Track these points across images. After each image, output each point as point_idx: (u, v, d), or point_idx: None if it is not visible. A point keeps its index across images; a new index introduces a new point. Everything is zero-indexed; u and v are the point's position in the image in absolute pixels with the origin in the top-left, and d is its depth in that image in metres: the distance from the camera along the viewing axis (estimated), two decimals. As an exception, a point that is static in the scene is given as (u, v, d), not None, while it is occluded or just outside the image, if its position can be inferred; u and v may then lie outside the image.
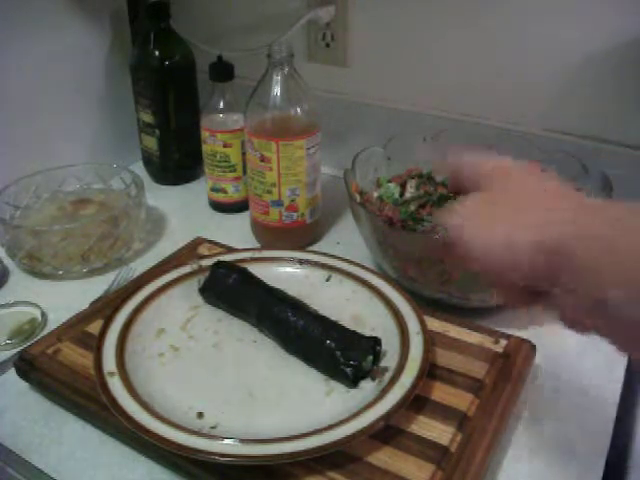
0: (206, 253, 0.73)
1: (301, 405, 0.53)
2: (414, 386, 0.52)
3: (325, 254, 0.71)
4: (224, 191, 0.89)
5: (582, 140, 0.80)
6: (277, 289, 0.63)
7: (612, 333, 0.37)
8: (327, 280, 0.68)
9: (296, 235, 0.80)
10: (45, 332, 0.65)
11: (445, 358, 0.58)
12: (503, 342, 0.59)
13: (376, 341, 0.56)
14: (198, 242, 0.77)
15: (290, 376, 0.57)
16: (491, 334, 0.61)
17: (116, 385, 0.53)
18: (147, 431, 0.48)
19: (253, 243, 0.82)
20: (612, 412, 0.56)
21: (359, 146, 0.77)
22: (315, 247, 0.81)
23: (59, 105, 0.91)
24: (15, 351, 0.63)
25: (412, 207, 0.73)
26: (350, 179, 0.71)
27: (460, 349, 0.59)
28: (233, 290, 0.63)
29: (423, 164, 0.80)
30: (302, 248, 0.77)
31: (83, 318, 0.64)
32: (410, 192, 0.76)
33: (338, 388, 0.55)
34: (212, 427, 0.51)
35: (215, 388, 0.55)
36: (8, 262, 0.78)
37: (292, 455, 0.47)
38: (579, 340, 0.55)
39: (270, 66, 0.73)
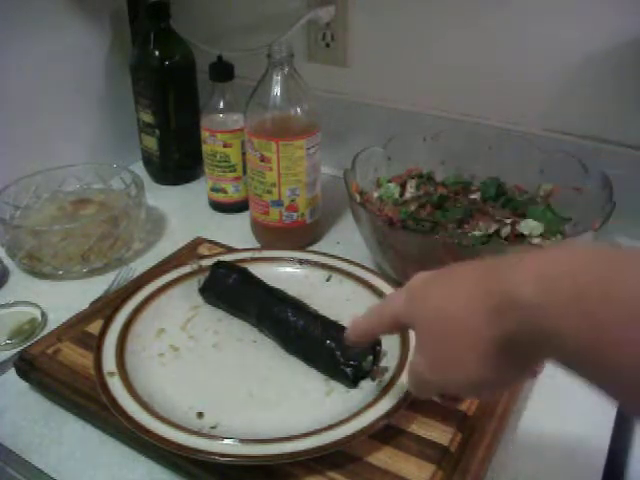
0: (206, 253, 0.73)
1: (301, 405, 0.54)
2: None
3: (325, 254, 0.71)
4: (224, 191, 0.89)
5: (582, 140, 0.80)
6: (277, 289, 0.63)
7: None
8: (327, 280, 0.68)
9: (296, 235, 0.80)
10: (45, 332, 0.65)
11: (445, 358, 0.58)
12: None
13: (376, 341, 0.56)
14: (198, 242, 0.77)
15: (290, 376, 0.57)
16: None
17: (116, 385, 0.53)
18: (147, 431, 0.48)
19: (253, 243, 0.82)
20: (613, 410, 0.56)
21: (359, 146, 0.77)
22: (315, 247, 0.81)
23: (59, 105, 0.91)
24: (15, 351, 0.63)
25: (412, 207, 0.73)
26: (350, 179, 0.71)
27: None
28: (233, 290, 0.63)
29: (423, 164, 0.80)
30: (302, 248, 0.77)
31: (83, 318, 0.64)
32: (410, 192, 0.76)
33: (338, 388, 0.55)
34: (212, 427, 0.51)
35: (215, 388, 0.55)
36: (8, 262, 0.78)
37: (292, 455, 0.47)
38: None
39: (270, 66, 0.73)
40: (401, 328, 0.47)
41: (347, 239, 0.82)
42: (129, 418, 0.49)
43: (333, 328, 0.57)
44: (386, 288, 0.64)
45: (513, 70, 0.82)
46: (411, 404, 0.51)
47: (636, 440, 0.55)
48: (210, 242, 0.77)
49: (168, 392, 0.54)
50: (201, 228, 0.84)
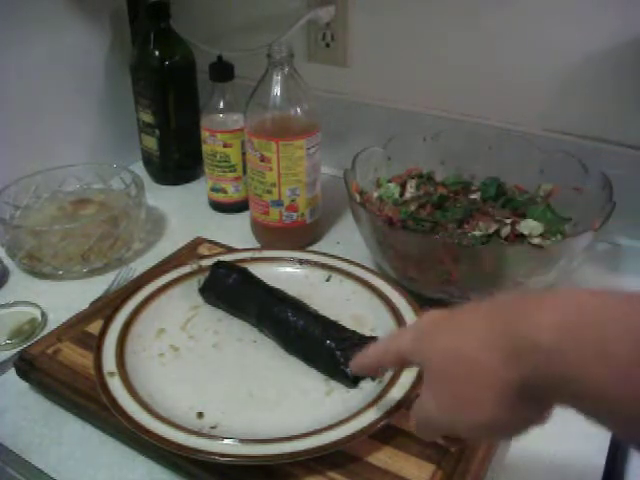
0: (206, 253, 0.73)
1: (301, 405, 0.54)
2: (414, 386, 0.52)
3: (325, 254, 0.71)
4: (224, 191, 0.89)
5: (582, 140, 0.80)
6: (277, 289, 0.63)
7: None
8: (327, 280, 0.68)
9: (296, 235, 0.80)
10: (45, 332, 0.65)
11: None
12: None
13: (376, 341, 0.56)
14: (198, 242, 0.77)
15: (290, 376, 0.57)
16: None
17: (116, 385, 0.53)
18: (147, 431, 0.48)
19: (253, 243, 0.82)
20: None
21: (359, 146, 0.77)
22: (315, 247, 0.81)
23: (59, 105, 0.91)
24: (15, 351, 0.63)
25: (412, 207, 0.73)
26: (350, 179, 0.71)
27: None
28: (233, 290, 0.63)
29: (423, 164, 0.80)
30: (302, 248, 0.77)
31: (83, 318, 0.64)
32: (410, 192, 0.76)
33: (338, 388, 0.55)
34: (212, 427, 0.51)
35: (215, 388, 0.55)
36: (8, 262, 0.78)
37: (292, 455, 0.47)
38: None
39: (270, 66, 0.73)
40: (406, 364, 0.47)
41: (347, 239, 0.82)
42: (129, 418, 0.49)
43: (333, 328, 0.57)
44: (386, 288, 0.64)
45: (513, 70, 0.82)
46: (411, 404, 0.51)
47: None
48: (210, 242, 0.77)
49: (168, 392, 0.54)
50: (201, 228, 0.84)
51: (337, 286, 0.67)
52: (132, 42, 0.99)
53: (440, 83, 0.88)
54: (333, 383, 0.55)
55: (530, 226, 0.68)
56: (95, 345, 0.57)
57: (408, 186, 0.76)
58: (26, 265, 0.76)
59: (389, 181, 0.78)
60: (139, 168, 0.98)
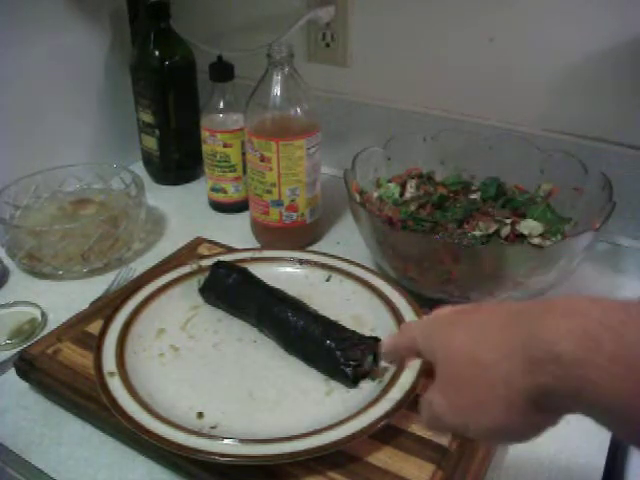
0: (206, 253, 0.73)
1: (301, 405, 0.53)
2: (414, 386, 0.52)
3: (325, 254, 0.71)
4: (224, 191, 0.89)
5: (582, 140, 0.80)
6: (277, 289, 0.63)
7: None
8: (327, 280, 0.68)
9: (296, 235, 0.80)
10: (45, 332, 0.65)
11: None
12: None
13: (376, 341, 0.56)
14: (198, 242, 0.77)
15: (290, 376, 0.57)
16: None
17: (116, 385, 0.53)
18: (147, 431, 0.48)
19: (253, 243, 0.82)
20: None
21: (359, 146, 0.77)
22: (315, 247, 0.81)
23: (59, 105, 0.91)
24: (15, 351, 0.63)
25: (412, 207, 0.73)
26: (350, 179, 0.71)
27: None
28: (233, 290, 0.63)
29: (423, 164, 0.80)
30: (302, 248, 0.77)
31: (83, 318, 0.64)
32: (410, 192, 0.76)
33: (338, 388, 0.55)
34: (212, 427, 0.51)
35: (215, 388, 0.55)
36: (8, 262, 0.78)
37: (292, 455, 0.47)
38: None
39: (270, 66, 0.73)
40: (418, 356, 0.47)
41: (347, 239, 0.82)
42: (129, 418, 0.49)
43: (333, 328, 0.57)
44: (386, 288, 0.64)
45: (513, 70, 0.82)
46: (411, 404, 0.51)
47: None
48: (210, 242, 0.77)
49: (168, 392, 0.54)
50: (201, 228, 0.84)
51: (337, 286, 0.67)
52: (132, 42, 0.99)
53: (440, 83, 0.88)
54: (333, 383, 0.55)
55: (530, 226, 0.68)
56: (95, 345, 0.57)
57: (408, 186, 0.76)
58: (26, 265, 0.76)
59: (389, 181, 0.78)
60: (139, 168, 0.98)
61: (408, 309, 0.61)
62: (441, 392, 0.40)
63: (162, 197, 0.94)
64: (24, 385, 0.59)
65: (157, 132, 0.94)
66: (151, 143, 0.96)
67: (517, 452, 0.53)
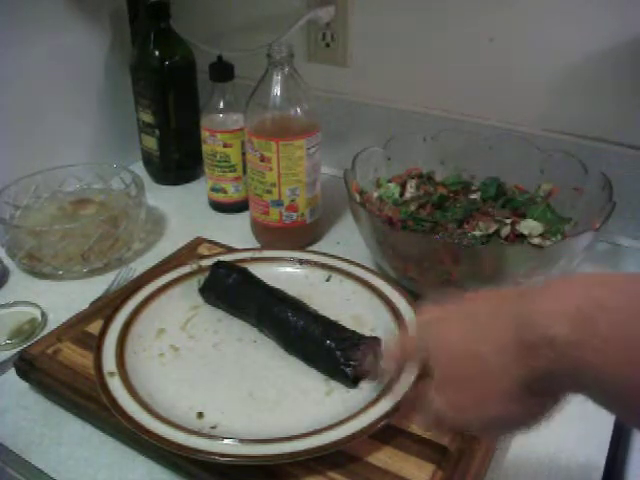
0: (206, 253, 0.73)
1: (301, 405, 0.53)
2: (414, 386, 0.51)
3: (325, 254, 0.71)
4: (224, 191, 0.89)
5: (582, 140, 0.80)
6: (277, 289, 0.63)
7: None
8: (327, 280, 0.68)
9: (296, 235, 0.80)
10: (45, 332, 0.65)
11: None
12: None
13: (376, 341, 0.56)
14: (198, 242, 0.77)
15: (290, 376, 0.57)
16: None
17: (116, 385, 0.53)
18: (147, 431, 0.48)
19: (253, 243, 0.82)
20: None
21: (359, 146, 0.77)
22: (315, 247, 0.81)
23: (59, 105, 0.91)
24: (15, 351, 0.63)
25: (412, 207, 0.73)
26: (350, 179, 0.71)
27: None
28: (233, 290, 0.63)
29: (423, 164, 0.80)
30: (302, 248, 0.77)
31: (83, 318, 0.64)
32: (410, 192, 0.76)
33: (338, 388, 0.55)
34: (212, 427, 0.51)
35: (215, 388, 0.55)
36: (8, 262, 0.78)
37: (292, 455, 0.47)
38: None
39: (270, 66, 0.73)
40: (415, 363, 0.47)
41: (347, 239, 0.82)
42: (129, 418, 0.49)
43: (333, 328, 0.57)
44: (386, 288, 0.64)
45: (513, 70, 0.82)
46: (411, 404, 0.51)
47: (636, 440, 0.55)
48: (210, 242, 0.77)
49: (168, 392, 0.54)
50: (201, 228, 0.84)
51: (337, 286, 0.67)
52: (132, 42, 0.99)
53: (440, 83, 0.88)
54: (333, 383, 0.55)
55: (530, 226, 0.68)
56: (95, 345, 0.57)
57: (408, 186, 0.76)
58: (26, 265, 0.76)
59: (389, 181, 0.78)
60: (139, 168, 0.98)
61: (408, 309, 0.61)
62: (440, 391, 0.40)
63: (162, 197, 0.94)
64: (24, 385, 0.59)
65: (157, 132, 0.94)
66: (151, 143, 0.96)
67: (517, 452, 0.53)
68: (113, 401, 0.51)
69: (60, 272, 0.75)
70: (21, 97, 0.85)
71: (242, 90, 0.82)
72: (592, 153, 0.76)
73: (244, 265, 0.67)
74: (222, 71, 0.84)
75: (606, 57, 0.75)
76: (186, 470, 0.50)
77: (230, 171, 0.87)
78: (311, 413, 0.52)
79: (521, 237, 0.68)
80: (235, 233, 0.84)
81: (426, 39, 0.86)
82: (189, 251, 0.75)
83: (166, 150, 0.96)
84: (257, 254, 0.71)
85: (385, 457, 0.49)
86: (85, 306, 0.68)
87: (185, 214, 0.91)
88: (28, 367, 0.58)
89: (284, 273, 0.69)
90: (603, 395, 0.31)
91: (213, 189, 0.90)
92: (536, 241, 0.67)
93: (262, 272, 0.66)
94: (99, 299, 0.70)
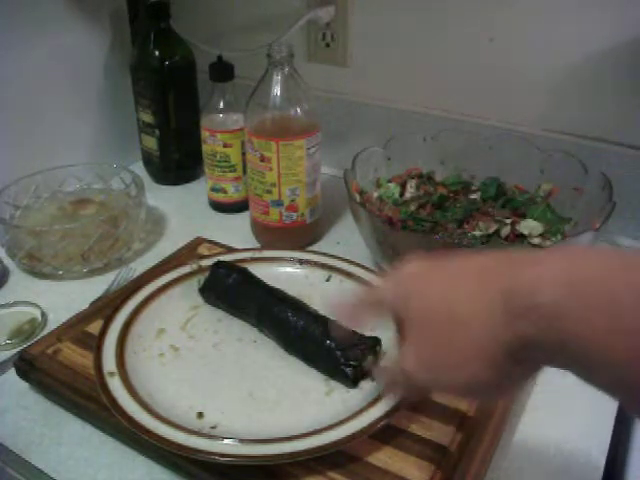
0: (206, 253, 0.73)
1: (301, 405, 0.53)
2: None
3: (325, 254, 0.71)
4: (224, 191, 0.89)
5: (582, 140, 0.80)
6: (277, 289, 0.63)
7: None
8: (327, 280, 0.68)
9: (296, 235, 0.80)
10: (45, 332, 0.65)
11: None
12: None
13: (376, 341, 0.56)
14: (198, 242, 0.77)
15: (290, 376, 0.57)
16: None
17: (116, 385, 0.53)
18: (147, 431, 0.48)
19: (253, 243, 0.82)
20: (614, 403, 0.56)
21: (359, 146, 0.77)
22: (315, 247, 0.81)
23: (59, 105, 0.91)
24: (15, 351, 0.63)
25: (412, 207, 0.73)
26: (350, 179, 0.71)
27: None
28: (233, 290, 0.63)
29: (423, 164, 0.80)
30: (302, 248, 0.77)
31: (83, 318, 0.64)
32: (410, 192, 0.76)
33: (338, 388, 0.55)
34: (212, 427, 0.51)
35: (215, 388, 0.55)
36: (8, 262, 0.78)
37: (292, 455, 0.47)
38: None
39: (270, 66, 0.73)
40: (387, 314, 0.43)
41: (347, 239, 0.82)
42: (129, 418, 0.49)
43: (333, 328, 0.57)
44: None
45: (513, 70, 0.82)
46: (411, 404, 0.51)
47: (636, 440, 0.55)
48: (210, 242, 0.77)
49: (168, 392, 0.54)
50: (201, 228, 0.84)
51: (337, 286, 0.67)
52: (132, 42, 0.99)
53: (440, 83, 0.88)
54: (333, 383, 0.55)
55: (530, 226, 0.68)
56: (95, 345, 0.57)
57: (408, 186, 0.76)
58: (26, 265, 0.76)
59: (389, 181, 0.78)
60: (139, 168, 0.98)
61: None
62: (411, 347, 0.38)
63: (162, 197, 0.94)
64: (24, 385, 0.59)
65: (157, 132, 0.94)
66: (151, 143, 0.96)
67: (517, 452, 0.53)
68: (113, 401, 0.51)
69: (60, 272, 0.75)
70: (21, 97, 0.85)
71: (242, 90, 0.82)
72: (592, 153, 0.76)
73: (244, 265, 0.67)
74: (222, 71, 0.84)
75: (606, 57, 0.75)
76: (186, 470, 0.50)
77: (230, 171, 0.87)
78: (311, 413, 0.52)
79: (521, 237, 0.68)
80: (235, 233, 0.84)
81: (426, 39, 0.86)
82: (189, 251, 0.75)
83: (166, 150, 0.96)
84: (257, 254, 0.71)
85: (385, 457, 0.49)
86: (85, 306, 0.68)
87: (185, 214, 0.91)
88: (28, 367, 0.58)
89: (284, 273, 0.69)
90: (587, 367, 0.31)
91: (213, 189, 0.90)
92: (536, 241, 0.67)
93: (262, 272, 0.66)
94: (99, 299, 0.70)
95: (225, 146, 0.85)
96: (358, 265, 0.68)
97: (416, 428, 0.51)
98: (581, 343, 0.29)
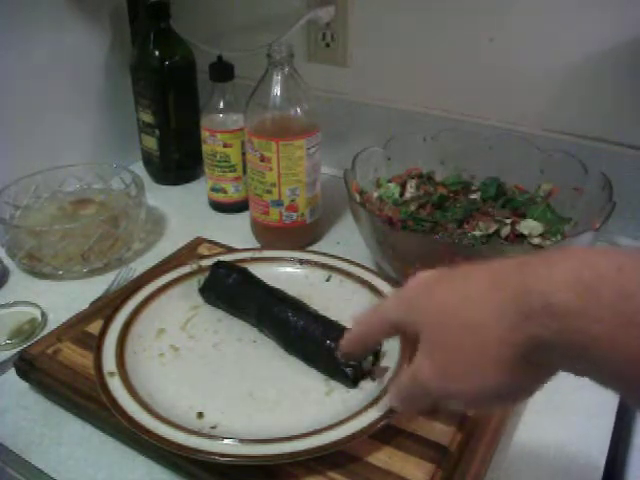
0: (206, 253, 0.73)
1: (301, 405, 0.53)
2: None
3: (325, 254, 0.71)
4: (224, 191, 0.89)
5: (582, 140, 0.80)
6: (277, 289, 0.63)
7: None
8: (327, 280, 0.68)
9: (296, 235, 0.80)
10: (45, 332, 0.65)
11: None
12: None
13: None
14: (198, 242, 0.77)
15: (290, 376, 0.57)
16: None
17: (116, 385, 0.53)
18: (147, 431, 0.48)
19: (253, 243, 0.82)
20: (614, 403, 0.56)
21: (359, 146, 0.77)
22: (315, 247, 0.81)
23: (59, 105, 0.91)
24: (15, 351, 0.63)
25: (412, 207, 0.73)
26: (350, 179, 0.71)
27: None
28: (233, 290, 0.63)
29: (423, 164, 0.80)
30: (302, 248, 0.77)
31: (83, 318, 0.64)
32: (410, 192, 0.76)
33: (338, 388, 0.55)
34: (212, 427, 0.51)
35: (215, 388, 0.55)
36: (8, 262, 0.78)
37: (292, 455, 0.47)
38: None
39: (270, 66, 0.73)
40: (397, 332, 0.44)
41: (347, 239, 0.82)
42: (129, 418, 0.49)
43: (333, 328, 0.57)
44: (386, 288, 0.64)
45: (513, 70, 0.82)
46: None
47: (636, 440, 0.55)
48: (210, 242, 0.77)
49: (168, 392, 0.54)
50: (201, 228, 0.84)
51: (337, 286, 0.67)
52: (132, 42, 0.99)
53: (440, 83, 0.88)
54: (333, 383, 0.55)
55: (530, 226, 0.68)
56: (95, 345, 0.57)
57: (408, 186, 0.76)
58: (26, 265, 0.76)
59: (389, 181, 0.78)
60: (139, 168, 0.98)
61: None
62: (426, 358, 0.38)
63: (162, 197, 0.94)
64: (24, 385, 0.59)
65: (157, 132, 0.94)
66: (151, 143, 0.96)
67: (517, 453, 0.53)
68: (113, 401, 0.51)
69: (60, 272, 0.75)
70: (21, 97, 0.85)
71: (242, 90, 0.82)
72: (592, 153, 0.76)
73: (244, 265, 0.67)
74: (222, 71, 0.84)
75: (606, 57, 0.75)
76: (186, 470, 0.50)
77: (230, 171, 0.87)
78: (311, 413, 0.52)
79: (521, 237, 0.68)
80: (235, 233, 0.84)
81: (426, 39, 0.86)
82: (189, 251, 0.75)
83: (166, 150, 0.96)
84: (257, 254, 0.71)
85: (385, 457, 0.49)
86: (85, 306, 0.68)
87: (185, 214, 0.91)
88: (28, 367, 0.58)
89: (284, 273, 0.69)
90: (602, 369, 0.30)
91: (213, 189, 0.90)
92: (536, 241, 0.67)
93: (262, 272, 0.66)
94: (99, 299, 0.71)
95: (225, 146, 0.85)
96: (358, 265, 0.68)
97: (416, 428, 0.51)
98: (595, 343, 0.29)
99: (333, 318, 0.59)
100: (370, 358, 0.55)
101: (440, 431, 0.50)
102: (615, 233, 0.80)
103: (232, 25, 1.00)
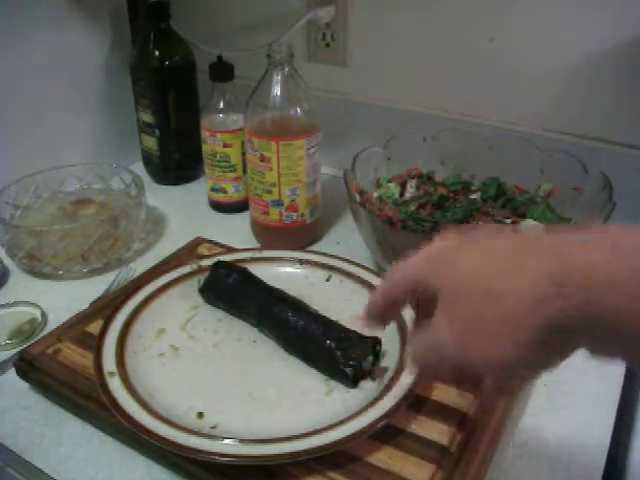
0: (206, 253, 0.73)
1: (301, 405, 0.53)
2: (414, 386, 0.52)
3: (325, 254, 0.71)
4: (224, 191, 0.89)
5: (582, 140, 0.80)
6: (277, 289, 0.63)
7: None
8: (327, 280, 0.68)
9: (296, 235, 0.80)
10: (45, 332, 0.65)
11: (445, 358, 0.58)
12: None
13: (376, 341, 0.56)
14: (198, 242, 0.77)
15: (290, 376, 0.57)
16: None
17: (116, 385, 0.53)
18: (147, 431, 0.48)
19: (253, 243, 0.82)
20: (614, 402, 0.56)
21: (359, 146, 0.77)
22: (315, 247, 0.81)
23: (59, 105, 0.91)
24: (15, 351, 0.63)
25: (412, 207, 0.73)
26: (350, 179, 0.71)
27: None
28: (233, 290, 0.63)
29: (423, 164, 0.80)
30: (302, 248, 0.77)
31: (83, 318, 0.64)
32: (410, 192, 0.76)
33: (338, 388, 0.55)
34: (212, 427, 0.51)
35: (215, 388, 0.55)
36: (8, 262, 0.78)
37: (292, 455, 0.47)
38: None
39: (270, 66, 0.73)
40: (416, 293, 0.42)
41: (347, 239, 0.82)
42: (129, 418, 0.49)
43: (333, 328, 0.57)
44: (386, 288, 0.64)
45: (513, 70, 0.82)
46: (411, 404, 0.51)
47: (636, 440, 0.55)
48: (210, 242, 0.77)
49: (168, 392, 0.54)
50: (201, 228, 0.84)
51: (337, 286, 0.67)
52: (132, 42, 0.99)
53: (440, 83, 0.88)
54: (333, 383, 0.55)
55: (530, 226, 0.68)
56: (95, 345, 0.57)
57: (408, 186, 0.76)
58: (26, 265, 0.76)
59: (389, 181, 0.78)
60: (139, 168, 0.98)
61: (408, 308, 0.61)
62: (444, 320, 0.37)
63: (162, 197, 0.94)
64: (24, 385, 0.59)
65: (157, 132, 0.94)
66: (151, 143, 0.96)
67: (517, 453, 0.53)
68: (113, 401, 0.51)
69: (60, 272, 0.75)
70: (21, 97, 0.85)
71: (242, 90, 0.82)
72: (592, 153, 0.76)
73: (244, 265, 0.67)
74: (222, 71, 0.84)
75: (606, 57, 0.75)
76: (186, 470, 0.50)
77: (230, 171, 0.87)
78: (311, 413, 0.52)
79: (521, 237, 0.68)
80: (235, 233, 0.84)
81: (426, 39, 0.86)
82: (189, 251, 0.75)
83: (166, 150, 0.96)
84: (257, 254, 0.71)
85: (385, 457, 0.49)
86: (85, 306, 0.68)
87: (185, 214, 0.91)
88: (28, 367, 0.58)
89: (284, 273, 0.69)
90: (629, 346, 0.30)
91: (213, 189, 0.90)
92: (536, 241, 0.67)
93: (262, 272, 0.66)
94: (99, 299, 0.71)
95: (225, 146, 0.85)
96: (358, 265, 0.68)
97: (416, 428, 0.51)
98: (632, 320, 0.29)
99: (333, 318, 0.59)
100: (370, 358, 0.55)
101: (440, 431, 0.50)
102: (615, 233, 0.80)
103: (232, 25, 1.00)
